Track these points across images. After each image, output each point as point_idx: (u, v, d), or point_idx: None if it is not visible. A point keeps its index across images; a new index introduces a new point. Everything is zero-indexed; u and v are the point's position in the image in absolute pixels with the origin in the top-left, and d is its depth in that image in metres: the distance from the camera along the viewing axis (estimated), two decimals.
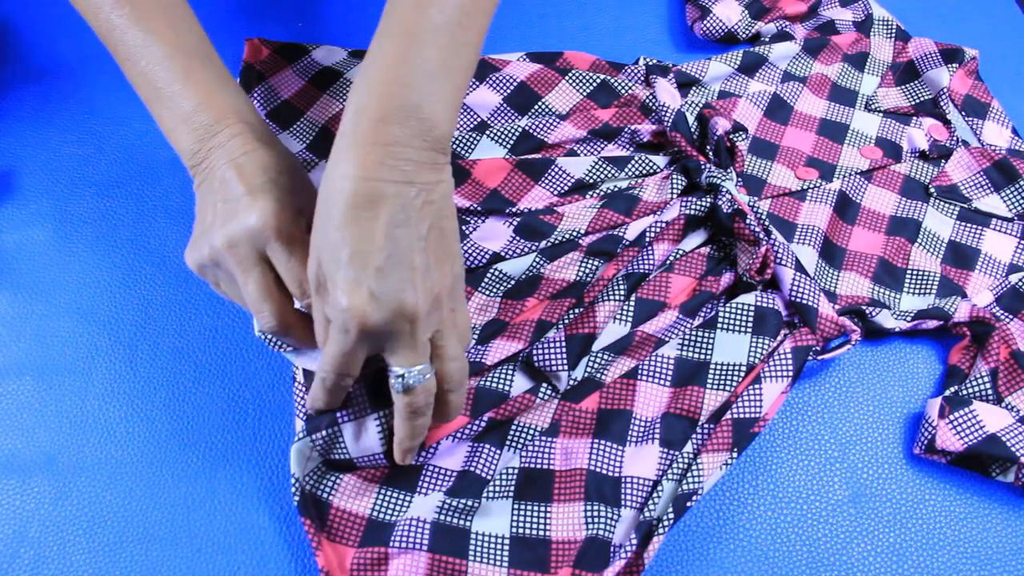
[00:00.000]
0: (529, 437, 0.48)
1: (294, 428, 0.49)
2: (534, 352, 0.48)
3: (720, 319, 0.51)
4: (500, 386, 0.48)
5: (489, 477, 0.47)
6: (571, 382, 0.49)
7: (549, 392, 0.49)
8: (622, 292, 0.51)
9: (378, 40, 0.40)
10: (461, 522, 0.45)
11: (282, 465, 0.49)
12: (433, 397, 0.42)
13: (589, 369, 0.50)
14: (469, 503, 0.45)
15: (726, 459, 0.47)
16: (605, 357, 0.50)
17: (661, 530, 0.44)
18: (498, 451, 0.48)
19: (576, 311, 0.51)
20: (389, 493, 0.46)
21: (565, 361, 0.48)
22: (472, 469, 0.47)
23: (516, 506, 0.46)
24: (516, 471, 0.47)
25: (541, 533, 0.45)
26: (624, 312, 0.51)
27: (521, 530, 0.45)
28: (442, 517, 0.45)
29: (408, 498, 0.46)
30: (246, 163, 0.41)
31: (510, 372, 0.48)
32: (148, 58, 0.42)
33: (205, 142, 0.42)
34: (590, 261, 0.53)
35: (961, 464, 0.49)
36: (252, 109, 0.45)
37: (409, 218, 0.37)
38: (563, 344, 0.48)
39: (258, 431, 0.50)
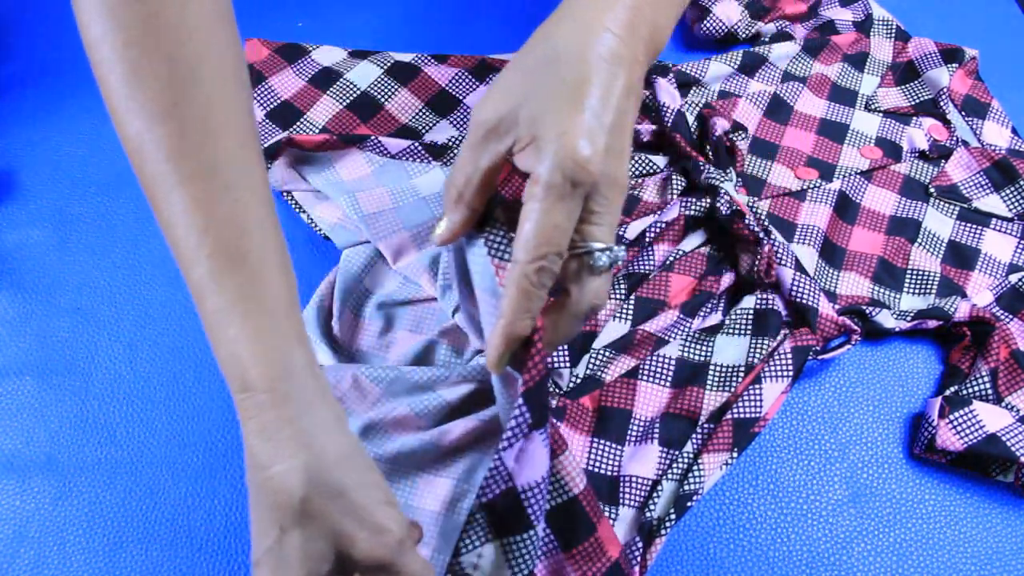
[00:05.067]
0: None
1: None
2: None
3: (723, 323, 0.51)
4: None
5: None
6: (573, 380, 0.49)
7: (551, 389, 0.49)
8: (622, 291, 0.51)
9: None
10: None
11: None
12: None
13: (591, 367, 0.50)
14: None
15: (726, 459, 0.47)
16: (606, 355, 0.50)
17: (663, 530, 0.44)
18: None
19: None
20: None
21: (567, 358, 0.48)
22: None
23: None
24: None
25: None
26: (624, 311, 0.51)
27: None
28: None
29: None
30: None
31: None
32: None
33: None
34: None
35: (961, 464, 0.49)
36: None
37: (631, 94, 0.35)
38: None
39: None
